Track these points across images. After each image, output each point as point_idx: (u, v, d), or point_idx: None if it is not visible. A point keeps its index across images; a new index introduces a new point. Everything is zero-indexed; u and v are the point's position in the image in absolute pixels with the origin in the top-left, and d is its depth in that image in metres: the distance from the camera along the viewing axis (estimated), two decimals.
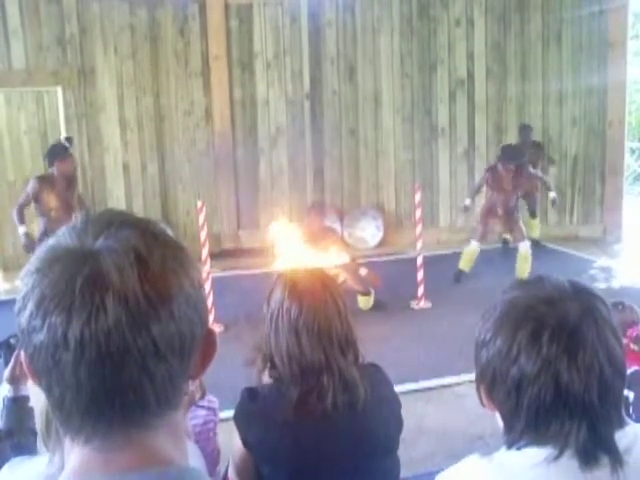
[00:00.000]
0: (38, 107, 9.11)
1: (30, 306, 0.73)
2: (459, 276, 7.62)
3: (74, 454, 0.78)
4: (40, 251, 0.77)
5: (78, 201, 7.02)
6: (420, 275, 6.90)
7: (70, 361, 0.72)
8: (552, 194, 8.02)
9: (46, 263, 0.75)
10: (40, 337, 0.73)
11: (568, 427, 1.09)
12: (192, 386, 2.39)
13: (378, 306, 6.72)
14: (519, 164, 7.42)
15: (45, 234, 6.58)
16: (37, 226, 6.81)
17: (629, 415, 2.40)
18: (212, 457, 2.77)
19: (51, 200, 6.70)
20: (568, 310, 1.11)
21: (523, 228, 7.64)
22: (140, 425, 0.77)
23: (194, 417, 2.72)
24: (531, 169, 7.72)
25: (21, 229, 6.64)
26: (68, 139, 7.15)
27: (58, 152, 6.77)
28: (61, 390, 0.74)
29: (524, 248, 7.39)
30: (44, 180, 6.74)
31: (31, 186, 6.71)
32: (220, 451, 2.89)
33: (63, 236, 0.77)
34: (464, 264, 7.64)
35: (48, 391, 0.76)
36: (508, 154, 7.48)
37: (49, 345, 0.72)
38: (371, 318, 6.31)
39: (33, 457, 2.00)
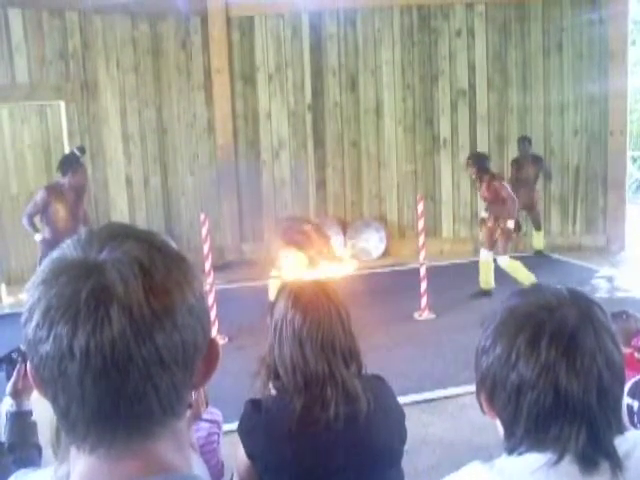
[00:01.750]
0: (41, 121, 9.17)
1: (36, 317, 0.74)
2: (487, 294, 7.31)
3: (79, 463, 0.79)
4: (45, 263, 0.79)
5: (83, 215, 7.02)
6: (423, 286, 6.89)
7: (76, 371, 0.73)
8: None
9: (52, 275, 0.76)
10: (46, 347, 0.74)
11: (567, 432, 1.10)
12: (196, 397, 2.39)
13: None
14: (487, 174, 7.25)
15: (51, 243, 6.58)
16: (44, 234, 6.79)
17: (634, 425, 2.39)
18: (216, 470, 2.76)
19: (59, 210, 6.70)
20: (566, 316, 1.12)
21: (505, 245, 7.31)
22: (145, 434, 0.78)
23: (198, 430, 2.72)
24: (497, 184, 7.22)
25: (37, 236, 6.65)
26: (80, 149, 7.14)
27: (71, 163, 6.78)
28: (67, 400, 0.75)
29: (502, 261, 7.21)
30: (53, 190, 6.75)
31: (40, 196, 6.71)
32: (224, 463, 2.88)
33: (68, 248, 0.78)
34: (487, 283, 7.39)
35: (54, 401, 0.77)
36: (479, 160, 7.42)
37: (55, 355, 0.73)
38: (374, 329, 6.30)
39: (38, 469, 2.00)
